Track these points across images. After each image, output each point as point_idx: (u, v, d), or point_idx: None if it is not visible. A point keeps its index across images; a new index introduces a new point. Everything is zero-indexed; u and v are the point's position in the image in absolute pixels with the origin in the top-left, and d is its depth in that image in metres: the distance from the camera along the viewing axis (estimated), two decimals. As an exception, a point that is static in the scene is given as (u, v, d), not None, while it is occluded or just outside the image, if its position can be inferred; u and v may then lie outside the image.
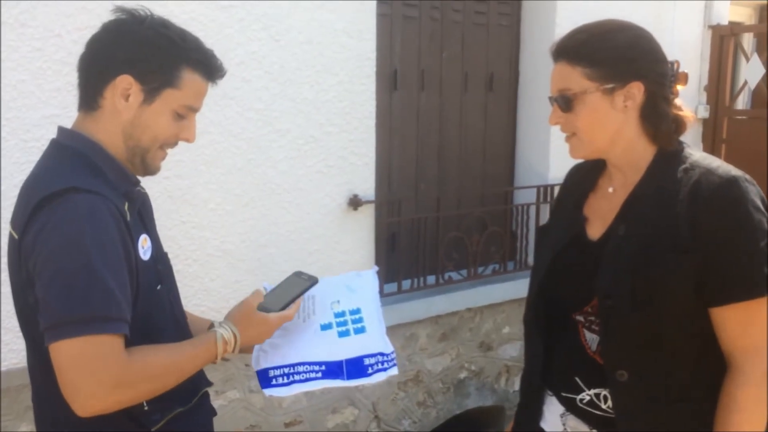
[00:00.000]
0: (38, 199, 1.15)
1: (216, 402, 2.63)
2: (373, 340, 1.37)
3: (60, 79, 2.24)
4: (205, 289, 2.60)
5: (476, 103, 3.58)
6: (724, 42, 4.15)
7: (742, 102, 4.76)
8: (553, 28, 3.51)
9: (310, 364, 1.40)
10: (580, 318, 1.40)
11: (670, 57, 4.45)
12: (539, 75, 3.62)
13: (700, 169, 1.29)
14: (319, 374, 1.38)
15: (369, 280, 1.53)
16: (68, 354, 1.11)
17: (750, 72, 4.00)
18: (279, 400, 2.85)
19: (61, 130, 1.29)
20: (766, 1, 4.98)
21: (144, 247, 1.26)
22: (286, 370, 1.41)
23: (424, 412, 3.36)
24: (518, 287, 3.58)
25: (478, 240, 3.41)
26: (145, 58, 1.23)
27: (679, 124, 1.38)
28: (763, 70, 3.93)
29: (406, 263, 3.28)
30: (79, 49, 2.24)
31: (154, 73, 1.23)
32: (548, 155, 3.62)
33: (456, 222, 3.45)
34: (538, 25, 3.62)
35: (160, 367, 1.19)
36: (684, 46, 4.17)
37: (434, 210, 3.36)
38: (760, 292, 1.24)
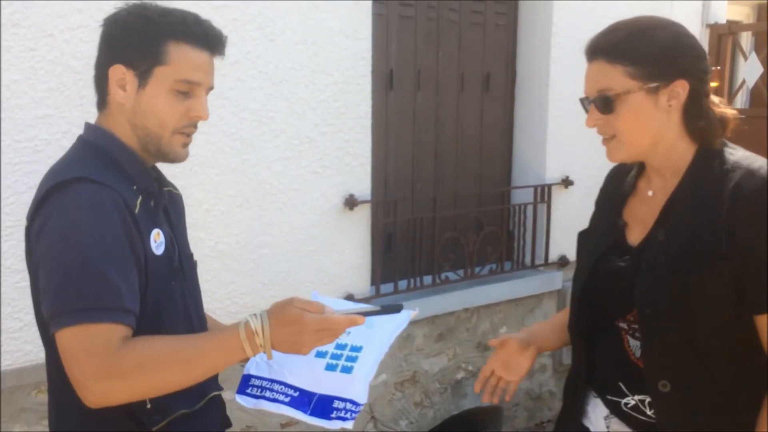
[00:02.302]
0: (46, 189, 1.16)
1: (211, 403, 2.63)
2: (353, 385, 1.32)
3: (53, 80, 2.23)
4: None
5: (473, 103, 3.57)
6: (722, 41, 4.14)
7: (740, 101, 4.75)
8: (550, 27, 3.50)
9: (286, 385, 1.37)
10: (623, 325, 1.38)
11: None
12: (536, 75, 3.61)
13: (741, 170, 1.24)
14: (288, 399, 1.34)
15: (397, 321, 1.43)
16: (63, 344, 1.12)
17: (748, 71, 3.99)
18: (275, 401, 2.84)
19: (87, 126, 1.31)
20: (764, 0, 4.97)
21: (156, 241, 1.25)
22: (264, 384, 1.39)
23: (421, 413, 3.35)
24: (515, 287, 3.57)
25: (475, 240, 3.40)
26: (129, 42, 1.23)
27: (724, 122, 1.33)
28: (761, 69, 3.92)
29: (403, 263, 3.27)
30: (72, 49, 2.26)
31: (140, 55, 1.22)
32: (545, 155, 3.60)
33: (452, 222, 3.44)
34: (534, 25, 3.61)
35: (156, 358, 1.13)
36: (681, 45, 4.15)
37: (431, 210, 3.36)
38: None
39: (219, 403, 1.41)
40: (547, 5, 3.53)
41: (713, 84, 1.44)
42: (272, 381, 1.38)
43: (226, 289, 2.66)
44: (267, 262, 2.76)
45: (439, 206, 3.38)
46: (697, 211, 1.26)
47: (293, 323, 1.17)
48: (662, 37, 1.28)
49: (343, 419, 1.28)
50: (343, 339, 1.36)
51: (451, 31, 3.42)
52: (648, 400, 1.35)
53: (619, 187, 1.49)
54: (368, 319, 1.35)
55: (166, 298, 1.25)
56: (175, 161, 1.30)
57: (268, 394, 1.35)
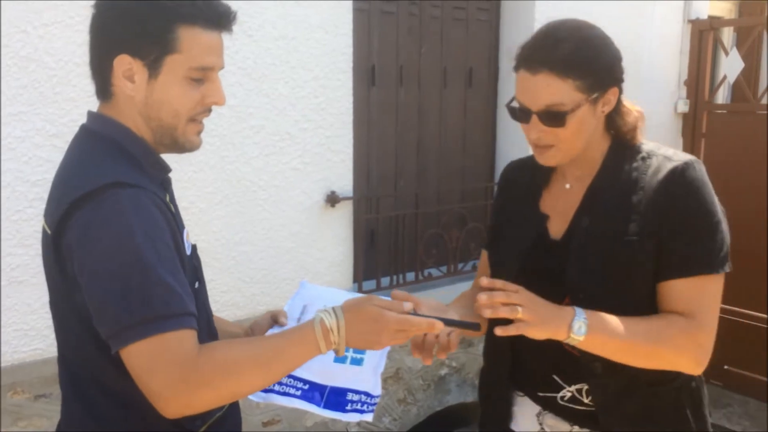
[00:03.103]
0: (78, 195, 1.06)
1: (191, 402, 2.61)
2: (366, 377, 1.28)
3: (26, 76, 2.19)
4: (179, 288, 2.57)
5: (455, 99, 3.57)
6: (703, 36, 4.16)
7: (722, 96, 4.77)
8: (532, 23, 3.50)
9: (296, 378, 1.33)
10: None
11: (650, 52, 4.44)
12: (518, 70, 3.60)
13: (657, 156, 1.33)
14: (299, 392, 1.31)
15: None
16: (136, 358, 1.04)
17: (729, 66, 4.00)
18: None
19: (92, 115, 1.20)
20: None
21: (187, 241, 1.20)
22: None
23: (404, 410, 3.34)
24: (499, 283, 3.57)
25: (458, 236, 3.40)
26: (135, 30, 1.11)
27: (638, 118, 1.38)
28: (741, 64, 3.94)
29: (385, 260, 3.26)
30: (45, 45, 2.23)
31: (149, 43, 1.11)
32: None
33: (435, 218, 3.43)
34: (517, 21, 3.60)
35: (237, 362, 1.08)
36: (664, 40, 4.17)
37: (413, 206, 3.35)
38: (713, 269, 1.27)
39: (238, 402, 1.39)
40: (529, 3, 3.52)
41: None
42: None
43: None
44: (247, 260, 2.74)
45: (422, 202, 3.37)
46: (620, 196, 1.32)
47: (372, 321, 1.13)
48: (602, 47, 1.30)
49: (361, 412, 1.26)
50: None
51: (433, 26, 3.41)
52: (585, 387, 1.37)
53: (530, 180, 1.49)
54: None
55: (195, 301, 1.17)
56: (190, 150, 1.22)
57: (277, 387, 1.31)
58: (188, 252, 1.19)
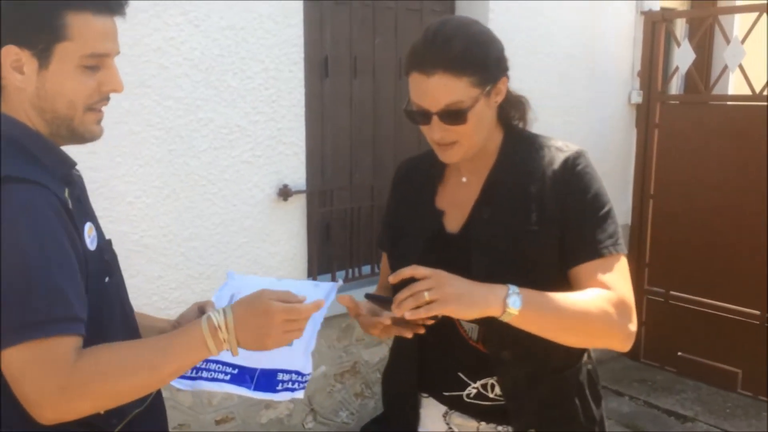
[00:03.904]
0: None
1: (140, 402, 2.55)
2: (295, 357, 1.28)
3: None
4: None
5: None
6: (655, 28, 4.20)
7: (675, 87, 4.84)
8: (487, 14, 3.49)
9: (223, 363, 1.33)
10: None
11: (603, 43, 4.46)
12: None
13: (549, 148, 1.38)
14: (228, 377, 1.30)
15: (324, 292, 1.41)
16: (11, 363, 1.01)
17: (681, 57, 4.05)
18: (208, 397, 2.77)
19: None
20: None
21: (90, 236, 1.15)
22: (200, 364, 1.32)
23: (361, 403, 3.32)
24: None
25: (414, 228, 3.38)
26: (20, 19, 1.07)
27: (521, 103, 1.44)
28: (693, 55, 3.99)
29: (341, 254, 3.23)
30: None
31: (36, 32, 1.07)
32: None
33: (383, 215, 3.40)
34: (471, 12, 3.58)
35: (118, 366, 1.06)
36: (617, 32, 4.20)
37: (369, 199, 3.32)
38: (620, 248, 1.33)
39: (161, 395, 1.35)
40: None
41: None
42: (207, 360, 1.33)
43: (153, 284, 2.57)
44: (197, 256, 2.68)
45: (377, 194, 3.35)
46: (518, 187, 1.36)
47: (261, 315, 1.11)
48: (489, 40, 1.33)
49: (292, 390, 1.25)
50: None
51: (387, 17, 3.37)
52: (491, 382, 1.38)
53: (423, 177, 1.49)
54: (301, 291, 1.33)
55: (103, 296, 1.16)
56: (91, 140, 1.18)
57: (205, 374, 1.30)
58: (92, 247, 1.15)
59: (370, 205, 3.29)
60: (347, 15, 3.22)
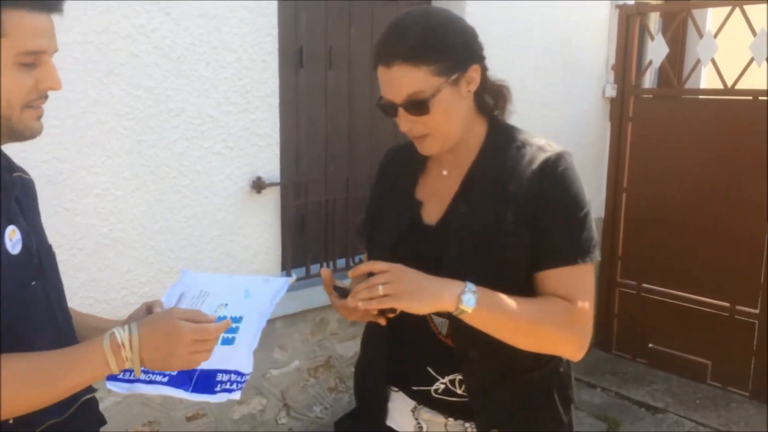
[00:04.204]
0: None
1: (109, 399, 2.49)
2: (236, 356, 1.25)
3: None
4: (93, 280, 2.43)
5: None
6: (630, 21, 4.21)
7: (648, 81, 4.87)
8: (464, 6, 3.46)
9: None
10: None
11: (578, 37, 4.46)
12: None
13: (531, 146, 1.36)
14: (166, 379, 1.26)
15: (275, 288, 1.39)
16: None
17: (654, 51, 4.07)
18: (180, 394, 2.72)
19: None
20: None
21: (12, 239, 1.11)
22: None
23: (335, 398, 3.30)
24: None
25: (389, 221, 3.35)
26: None
27: (502, 92, 1.41)
28: (666, 49, 4.02)
29: (315, 247, 3.20)
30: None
31: None
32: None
33: (366, 203, 3.37)
34: (448, 2, 3.56)
35: (15, 379, 1.03)
36: (592, 25, 4.21)
37: (344, 191, 3.28)
38: (588, 257, 1.32)
39: (92, 405, 1.31)
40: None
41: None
42: None
43: (122, 279, 2.51)
44: (168, 249, 2.62)
45: (353, 187, 3.32)
46: (497, 184, 1.34)
47: (167, 334, 1.09)
48: (452, 28, 1.30)
49: (229, 391, 1.22)
50: (221, 312, 1.31)
51: (363, 7, 3.33)
52: (458, 378, 1.37)
53: (406, 167, 1.48)
54: (246, 288, 1.35)
55: (28, 301, 1.13)
56: (31, 137, 1.14)
57: (142, 376, 1.26)
58: (14, 251, 1.12)
59: (345, 198, 3.26)
60: (323, 5, 3.16)
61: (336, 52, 3.25)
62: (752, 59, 3.67)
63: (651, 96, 4.30)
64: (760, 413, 3.65)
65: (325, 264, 3.20)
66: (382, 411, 1.49)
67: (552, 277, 1.31)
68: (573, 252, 1.30)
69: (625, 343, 4.33)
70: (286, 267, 3.02)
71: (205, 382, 1.22)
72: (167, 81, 2.53)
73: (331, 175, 3.29)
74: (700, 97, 4.15)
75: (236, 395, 1.22)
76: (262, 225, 2.90)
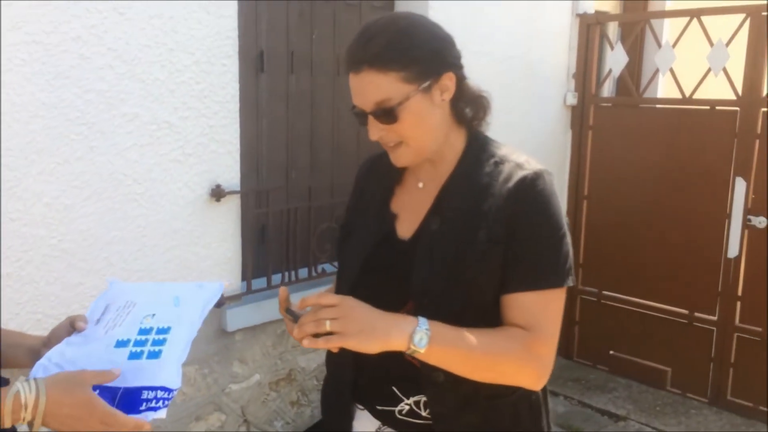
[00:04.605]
0: None
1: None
2: (163, 371, 1.17)
3: None
4: (41, 294, 2.30)
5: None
6: (590, 30, 4.25)
7: (607, 90, 4.92)
8: (426, 10, 3.43)
9: None
10: None
11: (540, 45, 4.47)
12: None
13: (510, 163, 1.30)
14: None
15: (208, 294, 1.32)
16: None
17: (614, 60, 4.11)
18: (134, 412, 2.59)
19: None
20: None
21: None
22: None
23: (297, 412, 3.20)
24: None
25: (353, 230, 3.28)
26: None
27: (483, 102, 1.37)
28: (626, 59, 4.05)
29: (277, 256, 3.10)
30: None
31: None
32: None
33: (329, 211, 3.30)
34: (411, 6, 3.51)
35: None
36: (554, 34, 4.23)
37: (306, 199, 3.20)
38: (559, 283, 1.27)
39: None
40: (423, -11, 3.45)
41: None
42: None
43: (72, 292, 2.38)
44: (121, 260, 2.50)
45: (315, 195, 3.24)
46: (471, 200, 1.29)
47: (78, 407, 1.05)
48: (422, 34, 1.26)
49: (155, 409, 1.15)
50: (147, 323, 1.24)
51: (325, 11, 3.26)
52: (423, 400, 1.33)
53: (383, 177, 1.43)
54: (175, 296, 1.29)
55: None
56: None
57: None
58: None
59: (308, 206, 3.17)
60: (284, 8, 3.08)
61: (298, 56, 3.17)
62: (709, 69, 3.72)
63: (611, 105, 4.34)
64: (718, 419, 3.69)
65: (287, 274, 3.11)
66: (347, 430, 1.44)
67: (516, 303, 1.26)
68: (541, 277, 1.26)
69: (587, 350, 4.34)
70: (247, 278, 2.92)
71: (129, 400, 1.14)
72: (121, 84, 2.41)
73: (293, 183, 3.20)
74: (660, 106, 4.20)
75: (162, 413, 1.15)
76: (221, 234, 2.79)
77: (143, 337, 1.22)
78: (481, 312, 1.27)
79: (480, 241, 1.25)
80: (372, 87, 1.23)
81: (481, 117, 1.38)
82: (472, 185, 1.30)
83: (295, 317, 1.24)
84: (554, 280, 1.27)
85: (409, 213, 1.36)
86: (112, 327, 1.25)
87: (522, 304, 1.26)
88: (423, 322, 1.16)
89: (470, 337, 1.19)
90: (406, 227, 1.35)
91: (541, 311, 1.26)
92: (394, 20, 1.26)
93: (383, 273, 1.33)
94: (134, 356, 1.19)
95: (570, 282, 1.28)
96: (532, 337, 1.24)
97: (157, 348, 1.20)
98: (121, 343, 1.21)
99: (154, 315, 1.25)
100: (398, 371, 1.32)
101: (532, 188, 1.27)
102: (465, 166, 1.32)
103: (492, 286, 1.26)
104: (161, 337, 1.22)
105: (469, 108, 1.35)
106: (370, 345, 1.13)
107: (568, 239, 1.30)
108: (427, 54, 1.24)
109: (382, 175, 1.44)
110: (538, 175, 1.28)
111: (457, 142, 1.34)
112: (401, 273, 1.29)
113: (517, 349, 1.23)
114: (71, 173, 2.33)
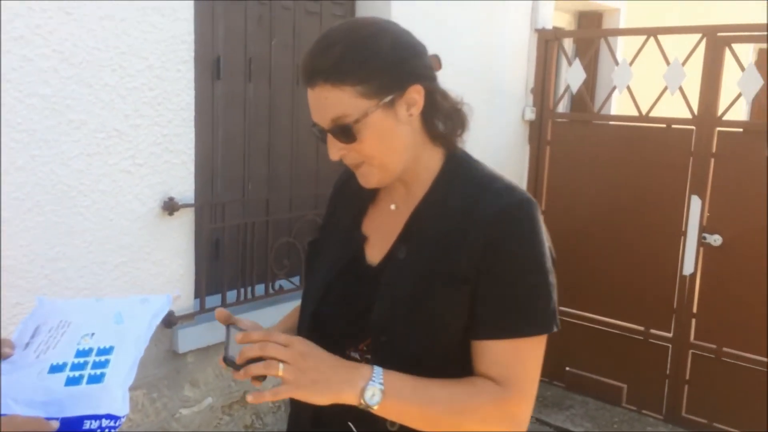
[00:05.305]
0: None
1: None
2: (107, 396, 1.05)
3: None
4: (-26, 317, 2.11)
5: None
6: (548, 46, 4.25)
7: (563, 105, 4.95)
8: (389, 18, 3.34)
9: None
10: (356, 356, 1.19)
11: (499, 59, 4.42)
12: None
13: (489, 190, 1.15)
14: None
15: (154, 309, 1.19)
16: None
17: (572, 76, 4.12)
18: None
19: None
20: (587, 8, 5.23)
21: None
22: None
23: (252, 436, 3.05)
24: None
25: (311, 245, 3.16)
26: None
27: (461, 117, 1.23)
28: (583, 75, 4.07)
29: (232, 273, 2.95)
30: None
31: None
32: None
33: (287, 226, 3.17)
34: (373, 14, 3.43)
35: None
36: (513, 48, 4.21)
37: (263, 213, 3.07)
38: (537, 330, 1.11)
39: None
40: (384, 3, 3.37)
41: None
42: None
43: (10, 313, 2.18)
44: (64, 278, 2.32)
45: (273, 209, 3.11)
46: (441, 229, 1.14)
47: None
48: (383, 43, 1.12)
49: None
50: (86, 343, 1.10)
51: (284, 18, 3.14)
52: None
53: (356, 194, 1.30)
54: (117, 312, 1.15)
55: None
56: None
57: None
58: None
59: (265, 221, 3.04)
60: (242, 13, 2.95)
61: (256, 63, 3.04)
62: (666, 88, 3.76)
63: (567, 120, 4.35)
64: (673, 435, 3.72)
65: (242, 291, 2.97)
66: None
67: (487, 351, 1.11)
68: (517, 323, 1.10)
69: (543, 366, 4.29)
70: (200, 295, 2.77)
71: (70, 430, 1.01)
72: (67, 89, 2.24)
73: (250, 196, 3.06)
74: (617, 123, 4.22)
75: None
76: (173, 250, 2.63)
77: (82, 360, 1.08)
78: (447, 357, 1.13)
79: (443, 278, 1.11)
80: (328, 103, 1.10)
81: (458, 133, 1.23)
82: (445, 211, 1.16)
83: (234, 364, 1.12)
84: (532, 327, 1.11)
85: (380, 237, 1.23)
86: (44, 350, 1.11)
87: (494, 353, 1.10)
88: (378, 374, 1.05)
89: (431, 390, 1.07)
90: (375, 252, 1.23)
91: (516, 363, 1.10)
92: (353, 28, 1.13)
93: (345, 301, 1.21)
94: (72, 382, 1.05)
95: (553, 328, 1.13)
96: (505, 394, 1.09)
97: (99, 371, 1.07)
98: (56, 368, 1.07)
99: (93, 334, 1.11)
100: (354, 407, 1.22)
101: (509, 219, 1.11)
102: (439, 189, 1.19)
103: (457, 328, 1.12)
104: (103, 358, 1.09)
105: (443, 123, 1.20)
106: (322, 398, 1.03)
107: (552, 279, 1.14)
108: (388, 65, 1.11)
109: (355, 192, 1.30)
110: (520, 204, 1.13)
111: (431, 162, 1.21)
112: (364, 303, 1.17)
113: (486, 407, 1.09)
114: (11, 184, 2.14)
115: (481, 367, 1.11)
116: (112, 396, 1.04)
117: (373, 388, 1.03)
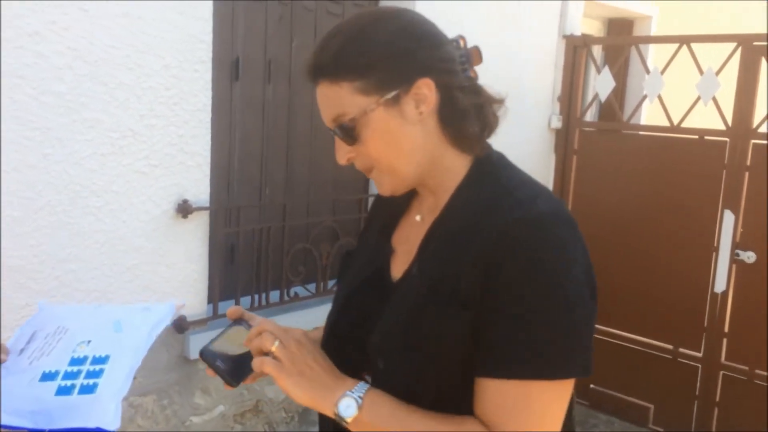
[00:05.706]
0: None
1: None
2: (98, 408, 1.00)
3: None
4: (-20, 317, 2.06)
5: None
6: (577, 53, 4.14)
7: (590, 114, 4.83)
8: (413, 24, 3.27)
9: (5, 426, 1.04)
10: (368, 378, 1.07)
11: (526, 66, 4.30)
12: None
13: (510, 197, 0.99)
14: None
15: (156, 317, 1.14)
16: None
17: (600, 84, 4.01)
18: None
19: None
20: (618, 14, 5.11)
21: None
22: None
23: (263, 447, 2.98)
24: (371, 303, 3.31)
25: (329, 252, 3.09)
26: None
27: (490, 119, 1.08)
28: (613, 83, 3.95)
29: (246, 278, 2.89)
30: None
31: None
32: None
33: (304, 232, 3.10)
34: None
35: None
36: (539, 54, 4.12)
37: (280, 219, 3.00)
38: (549, 373, 0.92)
39: None
40: (409, 2, 3.30)
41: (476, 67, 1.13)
42: None
43: (18, 315, 2.14)
44: (75, 280, 2.27)
45: (290, 214, 3.04)
46: (455, 244, 0.99)
47: None
48: (386, 32, 1.00)
49: None
50: (81, 351, 1.06)
51: (306, 18, 3.08)
52: None
53: (390, 203, 1.20)
54: (116, 320, 1.11)
55: None
56: None
57: None
58: None
59: (282, 226, 2.97)
60: (262, 13, 2.90)
61: (276, 64, 2.98)
62: (698, 98, 3.63)
63: (594, 129, 4.23)
64: (702, 458, 3.56)
65: (257, 297, 2.90)
66: None
67: (484, 391, 0.94)
68: (518, 363, 0.92)
69: (566, 382, 4.19)
70: (213, 300, 2.71)
71: None
72: (81, 87, 2.20)
73: (266, 201, 3.00)
74: (647, 133, 4.10)
75: None
76: (187, 254, 2.58)
77: (75, 368, 1.05)
78: (442, 390, 0.99)
79: (446, 299, 0.97)
80: (328, 100, 1.02)
81: (486, 135, 1.08)
82: (462, 224, 1.01)
83: (211, 362, 1.06)
84: (537, 368, 0.92)
85: (405, 250, 1.12)
86: (38, 357, 1.07)
87: (491, 394, 0.94)
88: (360, 388, 0.96)
89: (411, 418, 0.96)
90: (398, 266, 1.11)
91: (513, 407, 0.92)
92: (353, 21, 1.02)
93: (362, 318, 1.11)
94: (63, 391, 1.01)
95: (576, 372, 0.93)
96: None
97: (91, 381, 1.03)
98: (47, 376, 1.04)
99: (89, 342, 1.07)
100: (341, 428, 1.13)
101: (523, 236, 0.93)
102: (459, 198, 1.05)
103: (455, 360, 0.97)
104: (97, 367, 1.05)
105: (463, 123, 1.04)
106: (302, 395, 0.97)
107: (582, 313, 0.94)
108: (389, 56, 0.99)
109: (391, 202, 1.19)
110: (537, 219, 0.94)
111: (455, 167, 1.06)
112: (374, 320, 1.07)
113: None
114: (22, 182, 2.10)
115: (477, 409, 0.96)
116: (104, 408, 1.00)
117: (349, 399, 0.95)
